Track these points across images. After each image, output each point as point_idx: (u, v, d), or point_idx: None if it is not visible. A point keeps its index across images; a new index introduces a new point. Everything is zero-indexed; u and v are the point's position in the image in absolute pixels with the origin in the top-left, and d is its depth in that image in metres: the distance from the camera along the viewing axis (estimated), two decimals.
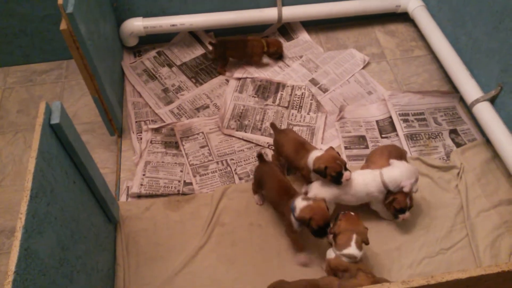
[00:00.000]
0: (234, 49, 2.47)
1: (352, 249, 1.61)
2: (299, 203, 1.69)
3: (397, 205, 1.80)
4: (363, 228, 1.68)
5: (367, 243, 1.65)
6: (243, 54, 2.49)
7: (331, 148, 1.84)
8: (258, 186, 1.93)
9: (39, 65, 2.65)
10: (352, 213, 1.71)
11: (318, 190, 1.82)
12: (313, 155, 1.82)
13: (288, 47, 2.67)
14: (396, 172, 1.80)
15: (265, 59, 2.56)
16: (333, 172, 1.74)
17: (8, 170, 2.19)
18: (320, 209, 1.66)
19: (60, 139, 1.36)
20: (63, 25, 1.71)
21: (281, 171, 1.92)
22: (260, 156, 1.92)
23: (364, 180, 1.82)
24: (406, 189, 1.76)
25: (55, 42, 2.55)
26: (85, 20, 1.82)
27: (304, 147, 1.91)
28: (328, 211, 1.67)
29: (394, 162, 1.84)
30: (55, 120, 1.30)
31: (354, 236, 1.62)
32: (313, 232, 1.67)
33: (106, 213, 1.77)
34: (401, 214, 1.82)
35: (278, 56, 2.55)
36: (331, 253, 1.68)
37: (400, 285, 0.99)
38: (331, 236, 1.69)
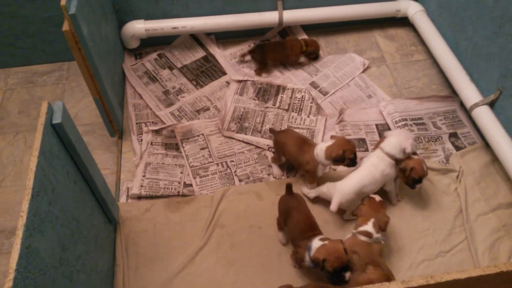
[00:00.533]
0: (274, 51, 2.51)
1: (368, 227, 1.68)
2: (316, 243, 1.60)
3: (415, 175, 1.84)
4: (384, 215, 1.73)
5: (383, 229, 1.70)
6: (282, 55, 2.53)
7: (334, 136, 1.89)
8: (283, 220, 1.80)
9: (41, 66, 2.66)
10: (378, 199, 1.77)
11: (342, 188, 1.83)
12: (321, 147, 1.85)
13: None
14: (392, 140, 1.87)
15: (301, 59, 2.60)
16: (351, 154, 1.80)
17: (8, 171, 2.20)
18: (336, 250, 1.54)
19: (61, 139, 1.36)
20: (65, 26, 1.72)
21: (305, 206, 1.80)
22: (289, 188, 1.79)
23: (372, 163, 1.86)
24: (408, 149, 1.83)
25: (57, 43, 2.56)
26: (87, 22, 1.83)
27: (306, 142, 1.94)
28: (346, 253, 1.57)
29: (387, 134, 1.92)
30: (57, 120, 1.31)
31: (373, 219, 1.70)
32: (329, 276, 1.56)
33: (106, 213, 1.77)
34: (418, 184, 1.87)
35: (315, 56, 2.59)
36: (347, 235, 1.74)
37: (399, 284, 0.99)
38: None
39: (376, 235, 1.68)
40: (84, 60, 1.85)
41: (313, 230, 1.70)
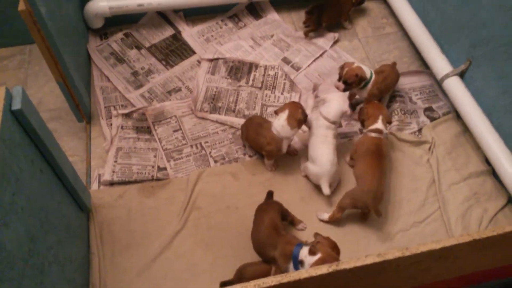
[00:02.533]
0: (330, 10, 2.48)
1: (379, 125, 1.90)
2: (307, 257, 1.48)
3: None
4: (386, 111, 1.98)
5: (390, 122, 1.97)
6: (338, 12, 2.53)
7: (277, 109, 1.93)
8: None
9: (0, 50, 2.52)
10: (376, 102, 2.01)
11: (324, 171, 1.86)
12: (279, 123, 1.87)
13: (257, 25, 2.63)
14: (333, 108, 1.91)
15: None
16: (304, 111, 1.91)
17: None
18: (335, 259, 1.47)
19: (23, 126, 1.29)
20: (21, 6, 1.61)
21: (281, 214, 1.76)
22: (269, 195, 1.80)
23: (322, 134, 1.89)
24: (348, 112, 1.96)
25: (16, 25, 2.41)
26: (46, 0, 1.72)
27: (262, 125, 1.95)
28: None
29: (325, 98, 1.98)
30: (16, 106, 1.24)
31: (381, 117, 1.92)
32: None
33: (77, 202, 1.72)
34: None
35: (362, 2, 2.63)
36: (358, 136, 2.01)
37: (376, 258, 1.00)
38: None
39: (385, 130, 1.91)
40: (45, 41, 1.75)
41: (277, 231, 1.64)
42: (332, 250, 1.53)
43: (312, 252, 1.47)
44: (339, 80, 2.04)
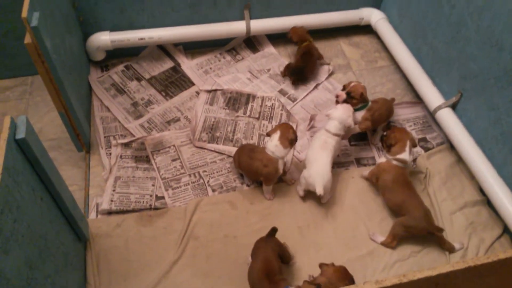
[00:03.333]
0: (308, 66, 2.53)
1: (406, 154, 1.94)
2: None
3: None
4: (412, 135, 2.01)
5: (416, 145, 2.01)
6: (314, 62, 2.58)
7: (270, 131, 1.98)
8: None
9: (2, 81, 2.57)
10: (400, 127, 2.06)
11: (319, 173, 1.92)
12: (273, 143, 1.92)
13: (255, 58, 2.71)
14: (336, 121, 1.99)
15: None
16: (294, 131, 1.96)
17: None
18: None
19: (26, 154, 1.31)
20: (27, 39, 1.67)
21: (278, 252, 1.71)
22: (272, 232, 1.73)
23: (324, 141, 1.98)
24: (352, 125, 2.02)
25: (19, 57, 2.48)
26: (51, 34, 1.79)
27: (254, 150, 2.00)
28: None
29: (330, 114, 2.03)
30: (20, 135, 1.26)
31: (408, 143, 1.95)
32: None
33: (75, 230, 1.71)
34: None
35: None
36: (382, 158, 2.01)
37: (373, 285, 1.01)
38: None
39: (410, 160, 1.94)
40: (48, 73, 1.80)
41: (271, 277, 1.59)
42: (339, 275, 1.53)
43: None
44: (342, 89, 2.12)
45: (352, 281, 1.55)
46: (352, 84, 2.11)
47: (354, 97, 2.08)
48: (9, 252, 1.11)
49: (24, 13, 1.61)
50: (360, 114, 2.13)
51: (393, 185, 1.93)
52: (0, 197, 1.10)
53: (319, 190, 1.88)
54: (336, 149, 2.00)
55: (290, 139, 1.92)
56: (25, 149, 1.30)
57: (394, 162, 1.95)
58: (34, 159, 1.34)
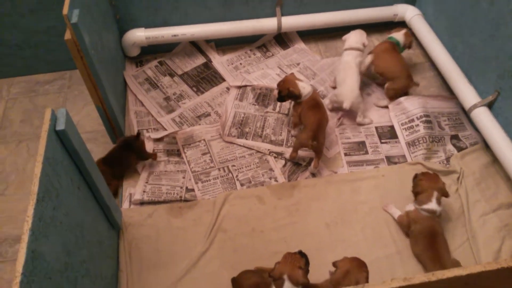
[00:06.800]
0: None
1: (433, 205, 1.80)
2: None
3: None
4: (442, 184, 1.84)
5: (447, 196, 1.83)
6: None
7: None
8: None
9: (43, 75, 2.69)
10: (431, 172, 1.91)
11: (347, 91, 2.21)
12: (302, 85, 2.09)
13: (284, 55, 2.72)
14: (353, 39, 2.33)
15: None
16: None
17: (11, 179, 2.21)
18: None
19: (65, 145, 1.38)
20: (67, 35, 1.74)
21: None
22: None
23: (346, 61, 2.29)
24: (366, 43, 2.32)
25: (59, 53, 2.59)
26: (89, 31, 1.86)
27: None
28: None
29: (345, 38, 2.37)
30: (60, 126, 1.33)
31: (435, 193, 1.81)
32: None
33: (109, 219, 1.78)
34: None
35: None
36: (411, 206, 1.87)
37: (401, 282, 1.00)
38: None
39: (439, 209, 1.81)
40: (86, 68, 1.87)
41: None
42: (357, 262, 1.56)
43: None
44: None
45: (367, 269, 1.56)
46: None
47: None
48: (49, 237, 1.17)
49: (65, 10, 1.68)
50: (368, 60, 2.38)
51: (419, 236, 1.81)
52: (41, 185, 1.17)
53: (346, 105, 2.16)
54: (358, 63, 2.26)
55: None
56: (64, 140, 1.36)
57: (423, 213, 1.82)
58: (72, 150, 1.40)
